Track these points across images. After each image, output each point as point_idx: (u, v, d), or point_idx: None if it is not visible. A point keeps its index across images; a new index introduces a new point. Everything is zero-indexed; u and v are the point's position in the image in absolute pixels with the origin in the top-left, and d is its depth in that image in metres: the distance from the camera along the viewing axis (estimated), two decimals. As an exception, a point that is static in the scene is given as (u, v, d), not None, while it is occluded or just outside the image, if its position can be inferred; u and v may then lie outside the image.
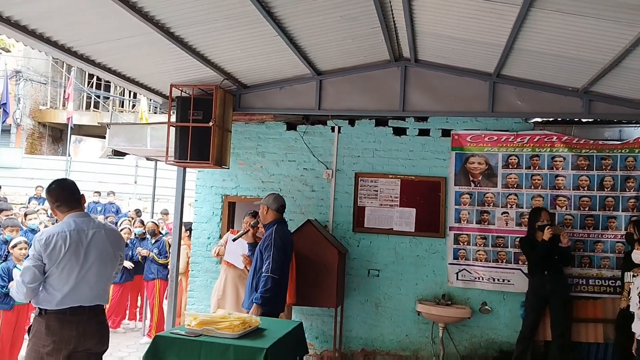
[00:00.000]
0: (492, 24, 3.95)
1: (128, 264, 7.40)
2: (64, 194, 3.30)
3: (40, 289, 3.15)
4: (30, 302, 3.27)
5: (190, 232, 6.77)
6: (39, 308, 3.19)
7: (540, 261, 5.38)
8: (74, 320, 3.17)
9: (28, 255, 3.30)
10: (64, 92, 20.68)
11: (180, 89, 5.52)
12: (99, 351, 3.35)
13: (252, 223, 5.08)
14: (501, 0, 3.51)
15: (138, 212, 13.09)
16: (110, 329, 7.41)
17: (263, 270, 4.47)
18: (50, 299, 3.13)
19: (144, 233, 7.83)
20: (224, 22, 4.13)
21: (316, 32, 4.54)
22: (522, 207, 5.81)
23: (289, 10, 4.01)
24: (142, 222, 8.91)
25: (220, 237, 6.38)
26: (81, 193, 3.42)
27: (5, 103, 16.90)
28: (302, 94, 5.79)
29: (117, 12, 3.68)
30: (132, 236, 7.83)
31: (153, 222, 8.08)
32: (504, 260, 5.79)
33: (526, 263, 5.69)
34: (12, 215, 7.25)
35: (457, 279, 5.89)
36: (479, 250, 5.86)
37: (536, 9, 3.51)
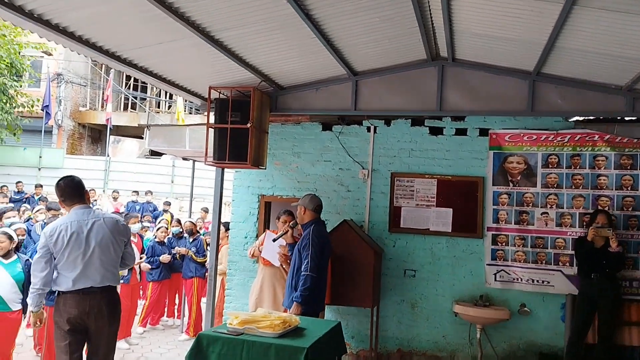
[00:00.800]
0: (533, 23, 3.89)
1: (166, 258, 7.56)
2: (68, 190, 3.80)
3: (55, 275, 3.63)
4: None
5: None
6: (58, 290, 3.68)
7: (584, 262, 5.30)
8: (87, 299, 3.64)
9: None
10: (103, 93, 21.23)
11: (219, 91, 5.61)
12: (109, 330, 3.78)
13: (291, 224, 5.13)
14: (543, -1, 3.46)
15: (167, 203, 13.61)
16: (150, 326, 7.69)
17: (302, 269, 4.56)
18: (64, 282, 3.63)
19: (181, 232, 7.99)
20: (263, 25, 4.19)
21: (353, 33, 4.56)
22: (563, 207, 5.70)
23: (327, 12, 4.04)
24: (178, 221, 9.10)
25: (257, 236, 6.47)
26: (86, 189, 3.93)
27: (48, 105, 17.44)
28: (338, 94, 5.82)
29: (160, 17, 3.78)
30: (170, 235, 8.00)
31: (191, 221, 8.24)
32: (544, 262, 5.70)
33: (567, 264, 5.61)
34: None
35: (495, 280, 5.82)
36: (517, 251, 5.78)
37: (579, 7, 3.45)
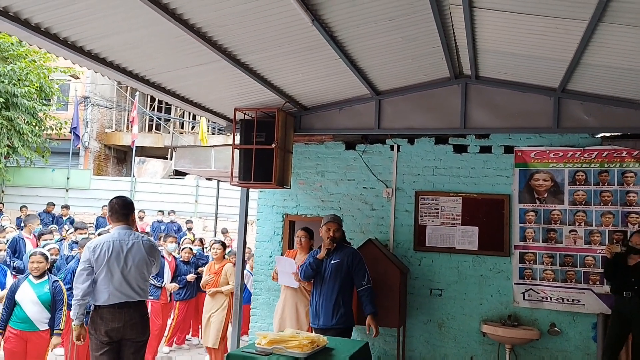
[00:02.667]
0: (558, 40, 3.89)
1: (192, 277, 7.61)
2: (116, 208, 4.15)
3: (92, 289, 3.92)
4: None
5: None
6: (94, 304, 3.97)
7: (611, 279, 5.21)
8: (122, 313, 3.96)
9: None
10: (128, 115, 21.66)
11: (244, 112, 5.70)
12: (141, 340, 4.13)
13: (330, 238, 5.07)
14: (568, 16, 3.46)
15: (189, 222, 13.86)
16: (176, 345, 7.70)
17: (364, 282, 4.84)
18: (102, 296, 3.94)
19: (202, 252, 8.09)
20: (288, 47, 4.26)
21: (377, 54, 4.60)
22: (591, 225, 5.61)
23: (351, 33, 4.09)
24: (201, 240, 9.18)
25: (282, 255, 6.49)
26: (133, 212, 4.26)
27: (76, 127, 17.84)
28: (361, 113, 5.85)
29: (189, 41, 3.88)
30: (193, 256, 8.05)
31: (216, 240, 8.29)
32: (573, 280, 5.60)
33: (597, 283, 5.51)
34: (85, 232, 7.65)
35: (524, 299, 5.73)
36: (546, 270, 5.69)
37: (605, 24, 3.44)
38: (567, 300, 5.59)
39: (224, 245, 6.91)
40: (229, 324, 6.42)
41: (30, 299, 4.95)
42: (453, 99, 5.53)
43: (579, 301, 5.56)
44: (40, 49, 3.94)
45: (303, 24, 3.75)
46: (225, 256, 6.91)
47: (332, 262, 4.94)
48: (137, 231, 4.33)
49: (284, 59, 4.50)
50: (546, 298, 5.66)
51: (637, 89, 4.69)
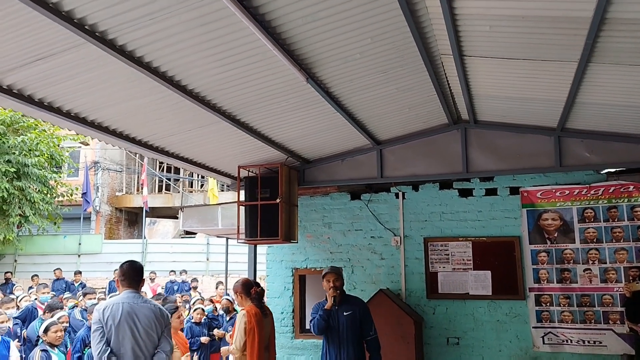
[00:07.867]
0: (550, 82, 3.94)
1: (206, 340, 7.47)
2: (129, 273, 4.04)
3: (108, 347, 3.77)
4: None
5: None
6: None
7: (633, 320, 5.04)
8: None
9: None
10: (138, 177, 21.92)
11: (248, 169, 5.76)
12: None
13: (333, 288, 4.86)
14: (557, 59, 3.52)
15: (194, 280, 13.77)
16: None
17: (372, 333, 4.62)
18: None
19: (214, 311, 7.95)
20: (285, 105, 4.35)
21: (373, 105, 4.68)
22: (605, 262, 5.50)
23: (346, 88, 4.18)
24: (211, 300, 9.04)
25: (293, 311, 6.40)
26: (143, 277, 4.17)
27: (86, 192, 18.04)
28: (364, 164, 5.90)
29: (189, 106, 3.98)
30: (205, 317, 7.92)
31: (227, 299, 8.19)
32: (592, 321, 5.44)
33: (617, 322, 5.35)
34: (95, 297, 7.59)
35: (544, 343, 5.56)
36: (563, 311, 5.55)
37: (594, 64, 3.49)
38: (589, 342, 5.42)
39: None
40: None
41: None
42: (454, 144, 5.57)
43: (600, 342, 5.38)
44: (44, 122, 4.04)
45: (298, 82, 3.84)
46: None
47: (345, 313, 4.67)
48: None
49: (283, 116, 4.59)
50: (566, 341, 5.49)
51: (635, 124, 4.70)
